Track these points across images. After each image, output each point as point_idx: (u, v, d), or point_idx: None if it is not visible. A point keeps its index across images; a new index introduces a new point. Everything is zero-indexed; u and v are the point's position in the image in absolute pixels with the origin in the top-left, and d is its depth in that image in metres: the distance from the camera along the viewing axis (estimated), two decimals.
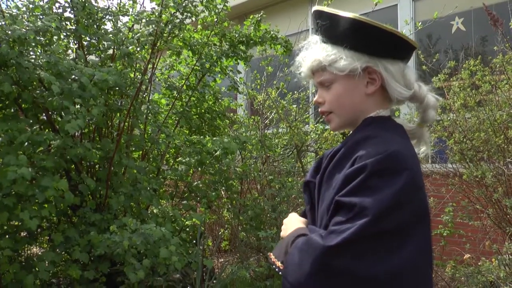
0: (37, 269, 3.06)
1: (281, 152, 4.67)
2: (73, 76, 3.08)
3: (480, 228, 3.74)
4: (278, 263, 1.24)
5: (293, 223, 1.37)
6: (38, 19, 3.04)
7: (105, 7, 3.69)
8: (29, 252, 4.09)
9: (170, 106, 4.40)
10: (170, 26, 3.72)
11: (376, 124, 1.25)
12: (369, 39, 1.23)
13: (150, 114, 3.97)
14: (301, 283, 1.08)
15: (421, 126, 1.35)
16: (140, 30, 3.53)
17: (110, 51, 3.78)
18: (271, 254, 1.30)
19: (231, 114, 5.38)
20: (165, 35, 3.84)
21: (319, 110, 1.37)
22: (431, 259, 1.17)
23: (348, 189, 1.10)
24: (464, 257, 3.54)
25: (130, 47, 3.43)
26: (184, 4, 3.71)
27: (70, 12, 3.51)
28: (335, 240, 1.05)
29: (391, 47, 1.24)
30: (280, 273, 1.21)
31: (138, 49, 3.64)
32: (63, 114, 3.46)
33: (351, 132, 1.33)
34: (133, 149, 3.97)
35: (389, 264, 1.03)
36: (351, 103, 1.28)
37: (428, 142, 1.38)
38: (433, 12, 5.22)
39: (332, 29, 1.27)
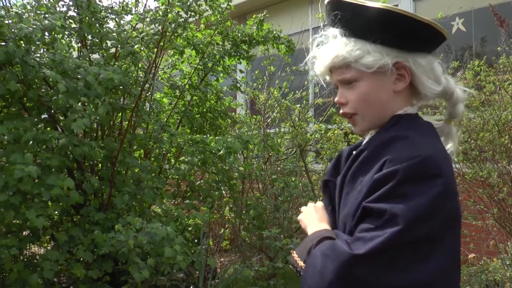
0: (40, 268, 3.05)
1: (285, 152, 4.67)
2: (78, 75, 3.07)
3: (484, 228, 3.76)
4: (301, 263, 1.15)
5: (316, 218, 1.29)
6: (44, 18, 3.03)
7: (109, 6, 3.68)
8: (30, 251, 4.08)
9: (173, 105, 4.39)
10: (174, 25, 3.72)
11: (404, 123, 1.15)
12: (400, 31, 1.11)
13: (152, 113, 3.96)
14: None
15: (449, 122, 1.26)
16: (146, 29, 3.52)
17: (113, 50, 3.78)
18: (294, 252, 1.21)
19: (232, 113, 5.38)
20: (168, 34, 3.84)
21: (341, 111, 1.24)
22: (459, 268, 1.11)
23: (377, 195, 1.02)
24: (469, 257, 3.56)
25: (136, 46, 3.42)
26: (188, 3, 3.70)
27: (73, 11, 3.51)
28: (362, 248, 0.98)
29: (424, 39, 1.14)
30: (300, 273, 1.13)
31: (143, 48, 3.63)
32: (67, 113, 3.47)
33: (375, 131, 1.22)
34: (136, 148, 3.97)
35: (417, 275, 0.98)
36: (378, 103, 1.17)
37: (456, 138, 1.28)
38: (434, 12, 5.26)
39: (356, 21, 1.14)
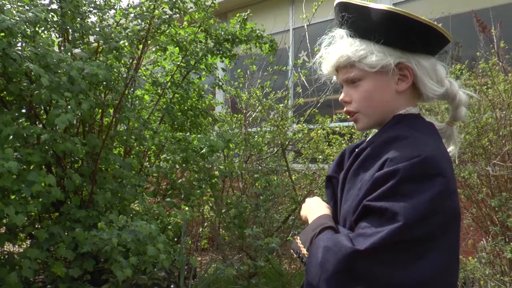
0: (19, 267, 2.98)
1: (267, 151, 4.68)
2: (62, 70, 3.01)
3: (462, 227, 3.86)
4: (304, 250, 1.18)
5: (318, 206, 1.32)
6: (27, 10, 2.95)
7: (93, 0, 3.62)
8: (3, 249, 3.97)
9: (155, 103, 4.35)
10: (159, 22, 3.68)
11: (406, 123, 1.18)
12: (404, 33, 1.14)
13: (134, 110, 3.91)
14: (322, 280, 1.05)
15: (452, 124, 1.29)
16: (131, 25, 3.47)
17: (94, 45, 3.71)
18: (298, 238, 1.24)
19: (214, 112, 5.36)
20: (152, 30, 3.80)
21: (345, 109, 1.28)
22: (458, 266, 1.14)
23: (378, 193, 1.05)
24: None
25: (121, 42, 3.37)
26: (174, 0, 3.67)
27: (56, 4, 3.43)
28: (364, 244, 1.01)
29: (427, 41, 1.16)
30: (303, 261, 1.17)
31: (127, 43, 3.58)
32: (48, 108, 3.40)
33: (377, 130, 1.26)
34: (116, 145, 3.92)
35: (417, 272, 1.00)
36: (381, 102, 1.20)
37: (457, 141, 1.31)
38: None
39: (361, 22, 1.18)
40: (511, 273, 3.36)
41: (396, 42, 1.16)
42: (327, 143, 4.48)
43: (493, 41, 3.62)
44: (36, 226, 3.70)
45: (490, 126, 3.41)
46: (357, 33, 1.19)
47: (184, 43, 4.24)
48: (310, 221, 1.28)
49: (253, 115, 5.02)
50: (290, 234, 4.25)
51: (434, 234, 1.02)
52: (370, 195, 1.07)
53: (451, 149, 1.31)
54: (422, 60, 1.18)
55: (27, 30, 2.99)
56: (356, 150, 1.25)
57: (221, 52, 4.50)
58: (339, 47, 1.22)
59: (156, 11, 3.61)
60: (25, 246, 4.26)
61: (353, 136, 4.40)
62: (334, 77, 1.31)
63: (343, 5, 1.22)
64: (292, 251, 1.25)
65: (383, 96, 1.20)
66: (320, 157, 4.37)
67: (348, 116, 1.29)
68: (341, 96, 1.28)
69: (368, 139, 1.27)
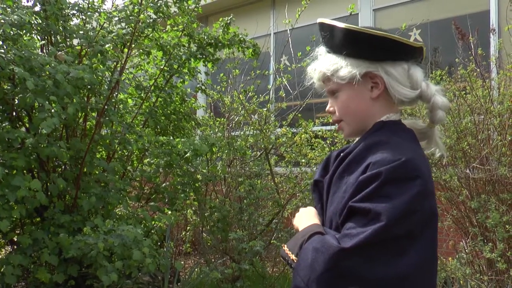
0: (1, 273, 2.93)
1: (252, 154, 4.71)
2: (46, 73, 2.97)
3: (442, 229, 3.95)
4: (292, 256, 1.24)
5: (309, 216, 1.38)
6: (12, 12, 2.92)
7: (76, 3, 3.59)
8: None
9: (138, 107, 4.33)
10: (143, 26, 3.67)
11: (387, 129, 1.27)
12: (364, 46, 1.25)
13: (118, 114, 3.89)
14: (312, 280, 1.11)
15: (431, 126, 1.35)
16: (116, 29, 3.46)
17: (78, 48, 3.68)
18: (285, 246, 1.31)
19: (196, 115, 5.36)
20: (136, 34, 3.79)
21: (332, 119, 1.39)
22: (436, 263, 1.21)
23: (362, 195, 1.13)
24: None
25: (107, 45, 3.35)
26: (158, 4, 3.67)
27: (39, 6, 3.39)
28: (349, 242, 1.08)
29: (387, 51, 1.26)
30: (292, 266, 1.23)
31: (111, 47, 3.56)
32: (31, 112, 3.35)
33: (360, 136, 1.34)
34: (99, 149, 3.89)
35: (398, 268, 1.07)
36: (357, 110, 1.30)
37: (439, 142, 1.38)
38: (392, 21, 5.48)
39: (332, 39, 1.31)
40: (489, 272, 3.46)
41: (361, 54, 1.27)
42: (310, 147, 4.52)
43: (471, 48, 3.73)
44: (18, 231, 3.65)
45: (469, 130, 3.52)
46: (331, 50, 1.33)
47: (168, 47, 4.23)
48: (300, 229, 1.34)
49: (236, 119, 5.03)
50: (273, 237, 4.28)
51: (414, 232, 1.10)
52: (354, 197, 1.15)
53: (436, 149, 1.38)
54: (389, 68, 1.27)
55: (10, 32, 2.95)
56: (341, 154, 1.33)
57: (204, 56, 4.51)
58: (318, 63, 1.35)
59: (142, 15, 3.60)
60: (4, 252, 4.19)
61: (336, 140, 4.46)
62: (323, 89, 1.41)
63: (320, 24, 1.35)
64: (282, 258, 1.31)
65: (358, 104, 1.30)
66: (303, 160, 4.42)
67: (331, 120, 1.40)
68: (327, 107, 1.40)
69: (352, 144, 1.36)
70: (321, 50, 1.37)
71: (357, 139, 1.36)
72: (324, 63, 1.32)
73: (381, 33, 1.24)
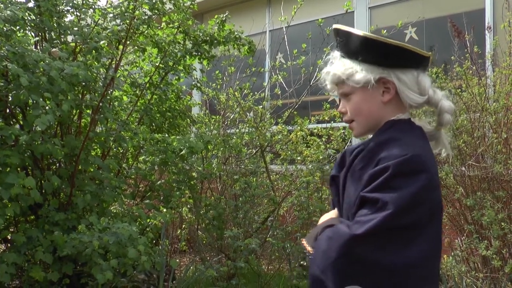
0: None
1: (247, 152, 4.69)
2: (40, 69, 2.95)
3: None
4: (309, 248, 1.34)
5: (328, 215, 1.49)
6: (5, 8, 2.88)
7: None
8: None
9: (133, 104, 4.30)
10: (138, 22, 3.65)
11: (397, 127, 1.36)
12: (379, 53, 1.34)
13: (113, 111, 3.87)
14: (326, 267, 1.21)
15: (438, 129, 1.45)
16: (111, 25, 3.43)
17: (72, 44, 3.65)
18: (304, 239, 1.40)
19: (191, 113, 5.34)
20: (131, 31, 3.77)
21: (343, 119, 1.49)
22: (440, 253, 1.29)
23: (372, 186, 1.23)
24: None
25: (102, 42, 3.32)
26: (154, 1, 3.65)
27: (33, 2, 3.36)
28: (360, 229, 1.18)
29: (399, 58, 1.35)
30: (310, 257, 1.31)
31: (106, 44, 3.54)
32: (25, 108, 3.33)
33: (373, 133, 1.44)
34: (95, 146, 3.86)
35: (405, 255, 1.16)
36: (369, 112, 1.40)
37: (447, 143, 1.48)
38: (388, 19, 5.47)
39: (348, 45, 1.39)
40: (484, 270, 3.48)
41: (376, 61, 1.36)
42: (305, 144, 4.52)
43: (467, 46, 3.74)
44: (12, 229, 3.62)
45: (464, 128, 3.53)
46: (346, 54, 1.41)
47: (163, 44, 4.21)
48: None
49: (231, 117, 5.02)
50: (269, 235, 4.27)
51: (420, 223, 1.19)
52: (366, 188, 1.25)
53: (442, 150, 1.48)
54: (401, 74, 1.36)
55: (3, 28, 2.93)
56: (355, 151, 1.42)
57: (199, 53, 4.50)
58: (333, 67, 1.43)
59: (137, 12, 3.58)
60: None
61: (331, 138, 4.46)
62: (336, 92, 1.50)
63: (336, 30, 1.45)
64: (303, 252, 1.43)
65: (370, 107, 1.40)
66: (298, 158, 4.41)
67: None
68: (339, 108, 1.50)
69: (365, 141, 1.45)
70: (336, 54, 1.45)
71: (369, 136, 1.47)
72: (340, 67, 1.40)
73: (395, 42, 1.33)
